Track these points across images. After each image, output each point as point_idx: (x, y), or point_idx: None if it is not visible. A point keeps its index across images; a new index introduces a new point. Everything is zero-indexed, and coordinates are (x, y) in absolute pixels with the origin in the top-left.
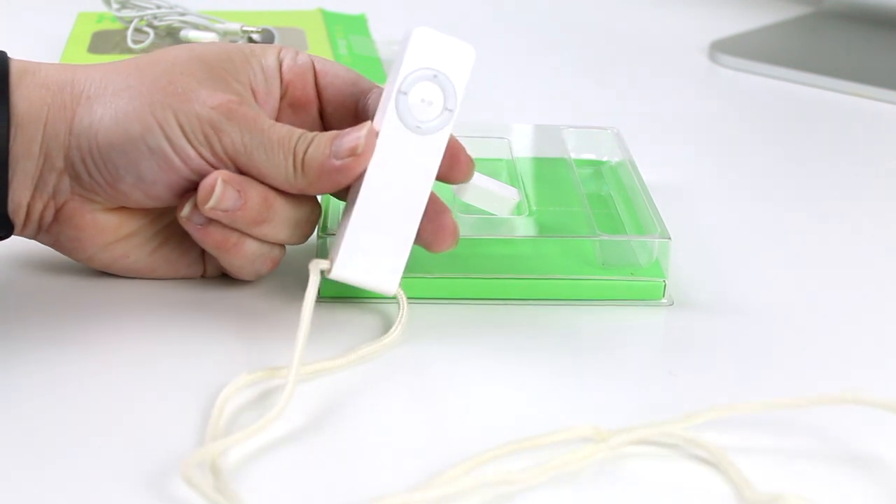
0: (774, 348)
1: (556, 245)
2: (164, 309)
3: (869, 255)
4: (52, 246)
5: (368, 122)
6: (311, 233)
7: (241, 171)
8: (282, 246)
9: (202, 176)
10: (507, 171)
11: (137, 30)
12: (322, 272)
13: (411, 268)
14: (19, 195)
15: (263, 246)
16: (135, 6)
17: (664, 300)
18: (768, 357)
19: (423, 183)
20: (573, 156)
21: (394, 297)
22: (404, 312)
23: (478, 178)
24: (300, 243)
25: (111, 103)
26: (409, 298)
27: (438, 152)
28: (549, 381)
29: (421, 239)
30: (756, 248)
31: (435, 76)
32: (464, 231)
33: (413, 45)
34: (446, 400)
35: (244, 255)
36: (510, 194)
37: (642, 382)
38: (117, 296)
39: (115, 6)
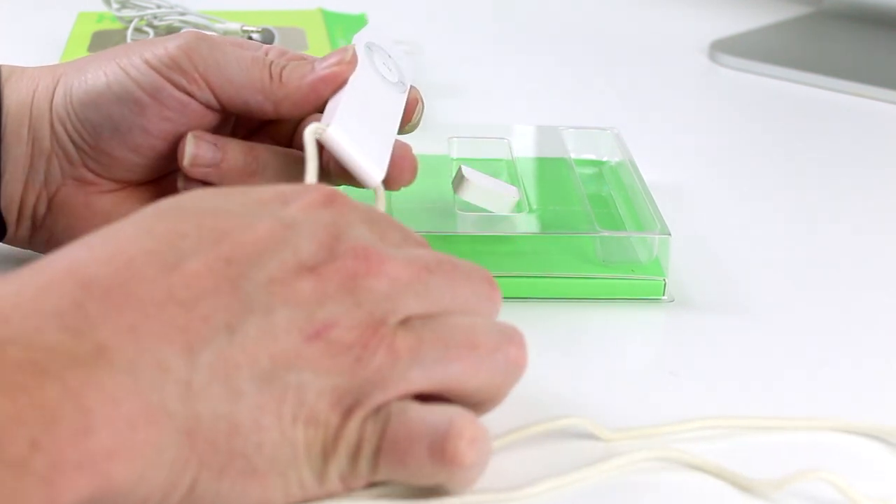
0: (776, 347)
1: (556, 242)
2: None
3: (869, 254)
4: (46, 245)
5: (350, 45)
6: None
7: (215, 95)
8: None
9: (177, 110)
10: (507, 171)
11: (137, 30)
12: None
13: None
14: (11, 187)
15: None
16: (135, 6)
17: (665, 298)
18: (770, 356)
19: (392, 115)
20: (573, 156)
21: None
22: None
23: (477, 176)
24: None
25: (83, 72)
26: None
27: (399, 107)
28: (548, 381)
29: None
30: (756, 247)
31: (389, 56)
32: (463, 228)
33: (375, 30)
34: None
35: None
36: (509, 192)
37: (643, 382)
38: None
39: (115, 6)
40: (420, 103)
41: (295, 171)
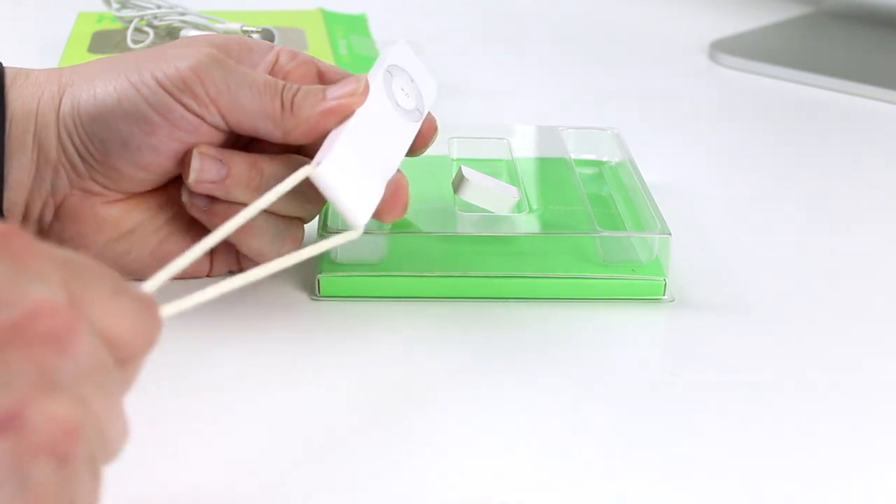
0: (776, 346)
1: (556, 242)
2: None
3: (868, 254)
4: None
5: (364, 74)
6: (319, 201)
7: (225, 120)
8: (299, 223)
9: (187, 131)
10: (507, 171)
11: (137, 30)
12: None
13: (411, 266)
14: (15, 193)
15: (278, 222)
16: (135, 6)
17: (665, 298)
18: (770, 356)
19: (396, 147)
20: (573, 156)
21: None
22: (350, 234)
23: (477, 177)
24: (310, 217)
25: (91, 84)
26: (406, 297)
27: (408, 137)
28: (548, 382)
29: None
30: (756, 246)
31: (412, 80)
32: (463, 228)
33: (403, 48)
34: (440, 400)
35: (258, 232)
36: (510, 193)
37: (643, 382)
38: None
39: (115, 6)
40: (434, 132)
41: (304, 188)
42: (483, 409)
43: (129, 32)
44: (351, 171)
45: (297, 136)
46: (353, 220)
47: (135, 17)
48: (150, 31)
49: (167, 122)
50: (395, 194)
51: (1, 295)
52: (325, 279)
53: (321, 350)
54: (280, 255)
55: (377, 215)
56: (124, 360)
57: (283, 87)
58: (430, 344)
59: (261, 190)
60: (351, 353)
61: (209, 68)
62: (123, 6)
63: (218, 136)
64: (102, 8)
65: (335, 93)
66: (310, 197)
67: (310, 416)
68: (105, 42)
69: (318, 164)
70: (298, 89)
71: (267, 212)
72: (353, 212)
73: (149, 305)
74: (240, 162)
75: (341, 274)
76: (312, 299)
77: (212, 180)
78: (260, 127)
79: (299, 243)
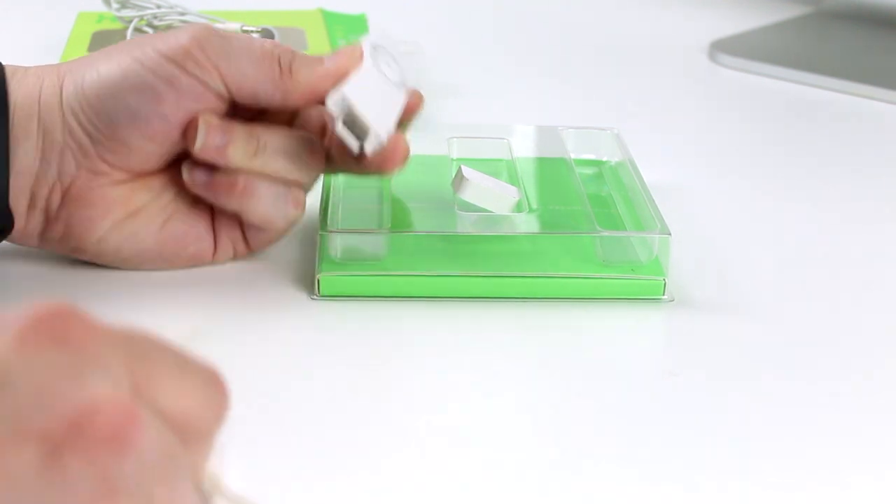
0: (776, 346)
1: (556, 242)
2: (162, 303)
3: (868, 254)
4: (60, 240)
5: (357, 44)
6: (316, 165)
7: (226, 85)
8: (299, 187)
9: (192, 98)
10: (507, 171)
11: (137, 30)
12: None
13: (411, 266)
14: (22, 180)
15: (277, 184)
16: (135, 6)
17: (665, 298)
18: (770, 356)
19: (391, 108)
20: (573, 156)
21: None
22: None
23: (477, 176)
24: (309, 181)
25: (93, 66)
26: (406, 297)
27: (400, 102)
28: (548, 382)
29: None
30: (756, 246)
31: (394, 60)
32: (463, 228)
33: (379, 36)
34: (438, 400)
35: (260, 195)
36: (509, 192)
37: (643, 382)
38: (118, 286)
39: (115, 6)
40: (422, 101)
41: (302, 151)
42: (483, 409)
43: (129, 32)
44: (364, 99)
45: (295, 99)
46: (380, 133)
47: (135, 17)
48: (150, 31)
49: (173, 89)
50: (395, 143)
51: (60, 390)
52: (325, 278)
53: (321, 349)
54: (286, 218)
55: (380, 165)
56: (195, 439)
57: (281, 52)
58: (430, 344)
59: (258, 157)
60: (351, 352)
61: (208, 38)
62: (123, 6)
63: (220, 106)
64: (102, 8)
65: (332, 58)
66: (307, 161)
67: (309, 416)
68: (105, 42)
69: (339, 89)
70: (295, 55)
71: (266, 176)
72: (376, 121)
73: (215, 379)
74: (239, 130)
75: (341, 273)
76: (312, 299)
77: (216, 146)
78: (260, 91)
79: (302, 207)
